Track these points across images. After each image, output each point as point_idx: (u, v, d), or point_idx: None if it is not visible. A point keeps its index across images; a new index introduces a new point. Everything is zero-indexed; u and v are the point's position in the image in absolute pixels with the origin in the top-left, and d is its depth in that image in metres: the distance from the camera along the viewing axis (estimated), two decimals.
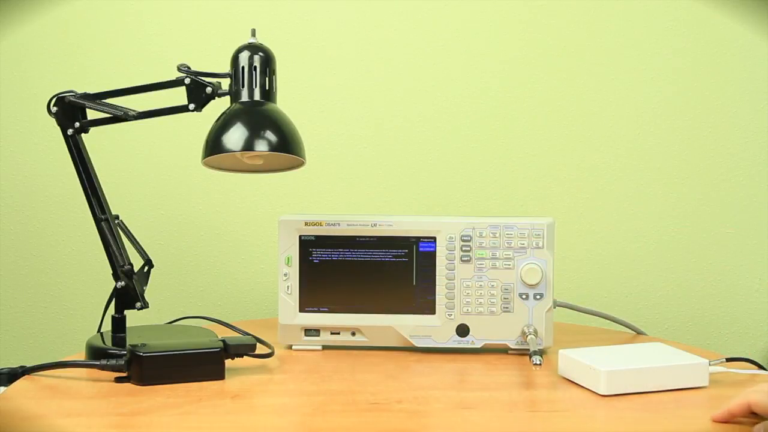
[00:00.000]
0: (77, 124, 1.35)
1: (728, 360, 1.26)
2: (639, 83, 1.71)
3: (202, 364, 1.24)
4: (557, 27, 1.70)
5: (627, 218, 1.73)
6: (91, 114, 1.36)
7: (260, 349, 1.31)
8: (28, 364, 1.25)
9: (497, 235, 1.38)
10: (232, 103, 1.31)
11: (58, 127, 1.35)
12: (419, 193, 1.72)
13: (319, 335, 1.40)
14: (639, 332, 1.52)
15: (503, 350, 1.39)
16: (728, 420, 1.10)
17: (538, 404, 1.18)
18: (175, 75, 1.31)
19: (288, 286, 1.40)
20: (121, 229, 1.39)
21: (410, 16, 1.69)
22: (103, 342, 1.35)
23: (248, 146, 1.26)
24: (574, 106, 1.71)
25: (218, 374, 1.24)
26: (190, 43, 1.68)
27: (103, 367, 1.23)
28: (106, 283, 1.38)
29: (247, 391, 1.21)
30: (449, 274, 1.38)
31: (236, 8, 1.68)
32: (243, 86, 1.30)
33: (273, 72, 1.31)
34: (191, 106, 1.32)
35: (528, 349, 1.33)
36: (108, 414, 1.12)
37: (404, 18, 1.69)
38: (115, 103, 1.35)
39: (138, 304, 1.36)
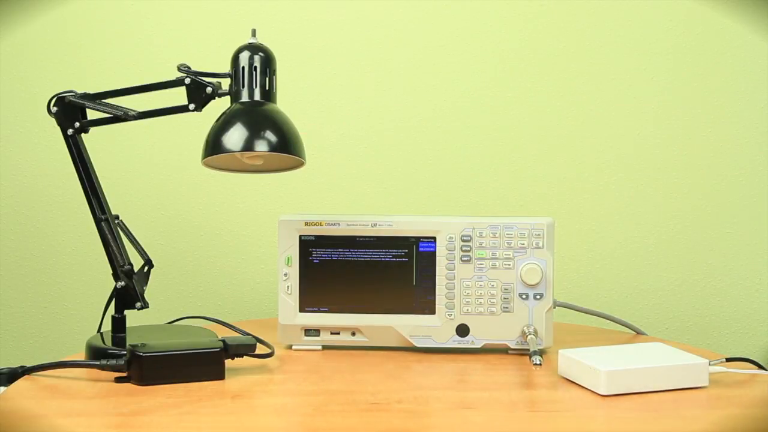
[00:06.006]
0: (77, 124, 1.35)
1: (728, 360, 1.26)
2: (639, 83, 1.71)
3: (202, 364, 1.24)
4: (557, 27, 1.70)
5: (627, 218, 1.73)
6: (91, 114, 1.36)
7: (260, 349, 1.31)
8: (28, 364, 1.25)
9: (497, 235, 1.38)
10: (232, 103, 1.31)
11: (58, 127, 1.35)
12: (419, 193, 1.72)
13: (319, 335, 1.40)
14: (639, 332, 1.52)
15: (503, 350, 1.39)
16: None
17: (538, 404, 1.18)
18: (175, 75, 1.31)
19: (288, 286, 1.40)
20: (121, 229, 1.39)
21: (410, 16, 1.69)
22: (103, 342, 1.35)
23: (248, 146, 1.26)
24: (574, 106, 1.71)
25: (218, 374, 1.24)
26: (190, 43, 1.68)
27: (103, 367, 1.23)
28: (106, 283, 1.38)
29: (247, 391, 1.21)
30: (449, 274, 1.38)
31: (236, 8, 1.68)
32: (243, 86, 1.30)
33: (273, 72, 1.31)
34: (191, 106, 1.32)
35: (528, 349, 1.33)
36: (108, 414, 1.12)
37: (404, 18, 1.69)
38: (115, 103, 1.35)
39: (138, 304, 1.35)
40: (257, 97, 1.30)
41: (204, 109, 1.32)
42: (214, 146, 1.28)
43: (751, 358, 1.32)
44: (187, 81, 1.31)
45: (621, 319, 1.53)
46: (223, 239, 1.71)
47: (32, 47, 1.67)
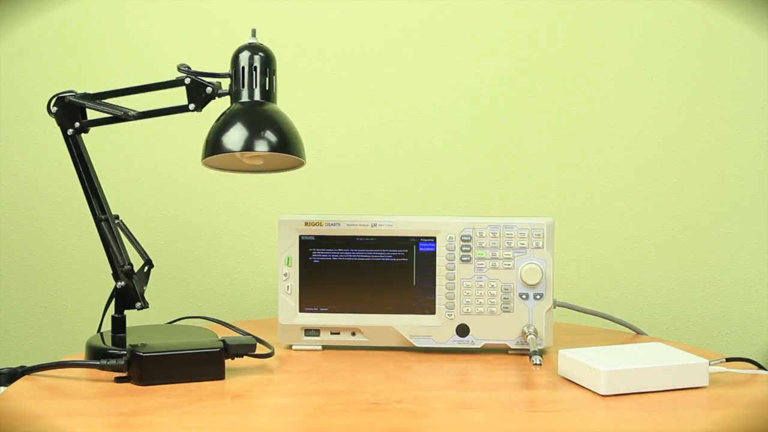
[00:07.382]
0: (77, 124, 1.35)
1: (728, 360, 1.26)
2: (639, 83, 1.71)
3: (202, 364, 1.24)
4: (557, 27, 1.70)
5: (627, 218, 1.73)
6: (91, 114, 1.36)
7: (260, 349, 1.31)
8: (28, 364, 1.25)
9: (497, 235, 1.38)
10: (232, 103, 1.31)
11: (58, 127, 1.35)
12: (419, 193, 1.72)
13: (319, 335, 1.40)
14: (639, 332, 1.52)
15: (503, 350, 1.39)
16: None
17: (538, 404, 1.18)
18: (175, 75, 1.31)
19: (288, 286, 1.40)
20: (121, 229, 1.39)
21: (410, 16, 1.69)
22: (103, 342, 1.35)
23: (248, 146, 1.26)
24: (574, 106, 1.72)
25: (218, 374, 1.24)
26: (190, 43, 1.68)
27: (103, 367, 1.23)
28: (106, 283, 1.38)
29: (247, 391, 1.21)
30: (449, 274, 1.38)
31: (236, 8, 1.68)
32: (243, 86, 1.30)
33: (273, 72, 1.31)
34: (191, 106, 1.32)
35: (528, 349, 1.33)
36: (108, 414, 1.12)
37: (404, 18, 1.69)
38: (115, 103, 1.35)
39: (138, 304, 1.36)
40: (257, 97, 1.30)
41: (204, 109, 1.32)
42: (214, 146, 1.28)
43: (751, 358, 1.32)
44: (187, 81, 1.31)
45: (621, 319, 1.53)
46: (223, 239, 1.71)
47: (32, 47, 1.67)
